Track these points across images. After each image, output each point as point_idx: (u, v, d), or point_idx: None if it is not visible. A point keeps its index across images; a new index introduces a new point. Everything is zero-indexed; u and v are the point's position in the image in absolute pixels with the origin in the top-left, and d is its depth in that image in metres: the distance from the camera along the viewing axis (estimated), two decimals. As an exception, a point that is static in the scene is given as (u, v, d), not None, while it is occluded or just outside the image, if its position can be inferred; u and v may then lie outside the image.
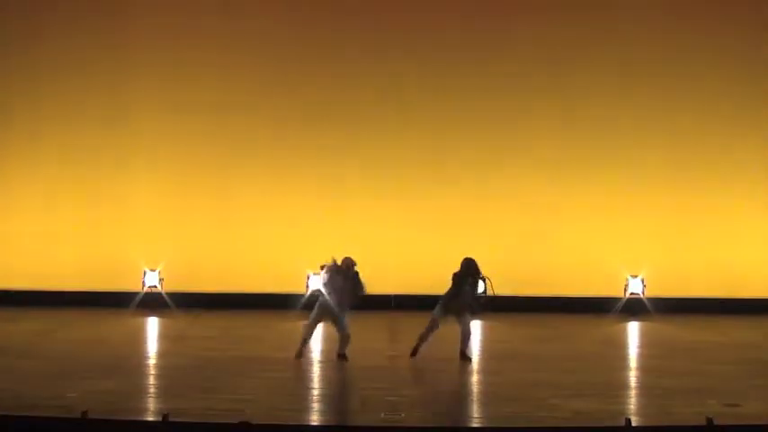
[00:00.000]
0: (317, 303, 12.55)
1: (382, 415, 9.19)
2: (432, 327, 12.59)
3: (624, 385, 11.27)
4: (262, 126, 18.32)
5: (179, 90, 18.25)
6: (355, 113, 18.31)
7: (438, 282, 12.86)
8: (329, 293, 12.35)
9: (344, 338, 12.44)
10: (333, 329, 12.69)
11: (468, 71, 18.30)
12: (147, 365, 12.36)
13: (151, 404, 9.83)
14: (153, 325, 16.29)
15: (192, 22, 18.38)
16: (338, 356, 12.42)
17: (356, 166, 18.21)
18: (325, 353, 12.84)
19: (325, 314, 12.50)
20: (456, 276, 12.52)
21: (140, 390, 10.54)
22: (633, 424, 8.45)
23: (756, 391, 10.72)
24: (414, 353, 12.57)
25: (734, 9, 18.30)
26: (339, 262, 12.44)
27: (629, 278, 17.87)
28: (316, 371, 12.08)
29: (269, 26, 18.41)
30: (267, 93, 18.35)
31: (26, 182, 18.34)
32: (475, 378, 11.71)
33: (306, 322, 12.65)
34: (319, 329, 13.10)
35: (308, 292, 17.06)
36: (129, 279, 17.82)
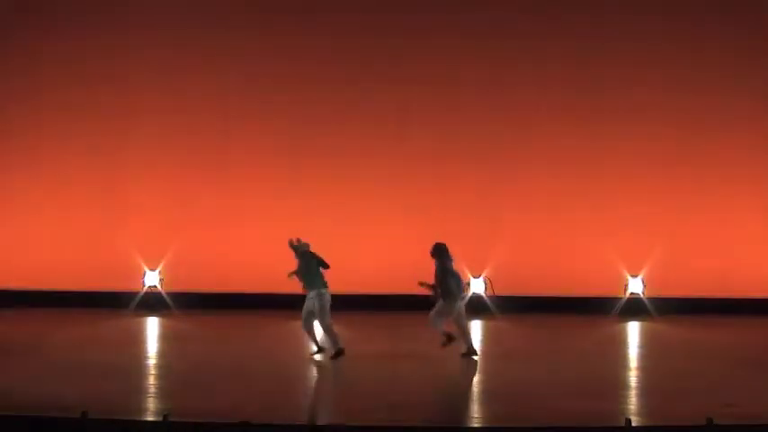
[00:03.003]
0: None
1: (382, 415, 9.18)
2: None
3: (624, 385, 11.25)
4: (262, 127, 18.32)
5: (179, 90, 18.27)
6: (355, 113, 18.32)
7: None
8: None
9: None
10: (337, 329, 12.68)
11: (468, 71, 18.30)
12: (146, 365, 12.35)
13: (151, 404, 9.82)
14: (153, 325, 16.28)
15: (194, 23, 18.39)
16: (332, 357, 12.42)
17: (356, 167, 18.21)
18: (324, 353, 12.80)
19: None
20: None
21: (140, 390, 10.53)
22: (633, 424, 8.45)
23: (756, 391, 10.72)
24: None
25: (738, 7, 18.31)
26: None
27: (629, 278, 17.87)
28: (316, 371, 12.07)
29: (269, 27, 18.42)
30: (267, 93, 18.36)
31: (26, 182, 18.35)
32: (475, 378, 11.70)
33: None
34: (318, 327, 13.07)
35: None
36: (129, 279, 17.82)
